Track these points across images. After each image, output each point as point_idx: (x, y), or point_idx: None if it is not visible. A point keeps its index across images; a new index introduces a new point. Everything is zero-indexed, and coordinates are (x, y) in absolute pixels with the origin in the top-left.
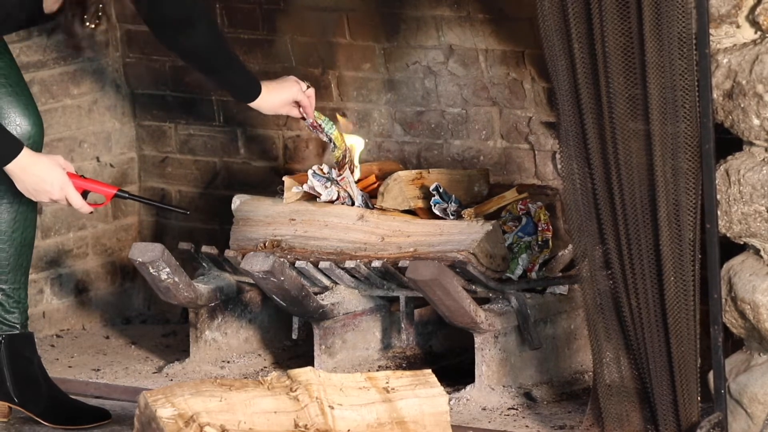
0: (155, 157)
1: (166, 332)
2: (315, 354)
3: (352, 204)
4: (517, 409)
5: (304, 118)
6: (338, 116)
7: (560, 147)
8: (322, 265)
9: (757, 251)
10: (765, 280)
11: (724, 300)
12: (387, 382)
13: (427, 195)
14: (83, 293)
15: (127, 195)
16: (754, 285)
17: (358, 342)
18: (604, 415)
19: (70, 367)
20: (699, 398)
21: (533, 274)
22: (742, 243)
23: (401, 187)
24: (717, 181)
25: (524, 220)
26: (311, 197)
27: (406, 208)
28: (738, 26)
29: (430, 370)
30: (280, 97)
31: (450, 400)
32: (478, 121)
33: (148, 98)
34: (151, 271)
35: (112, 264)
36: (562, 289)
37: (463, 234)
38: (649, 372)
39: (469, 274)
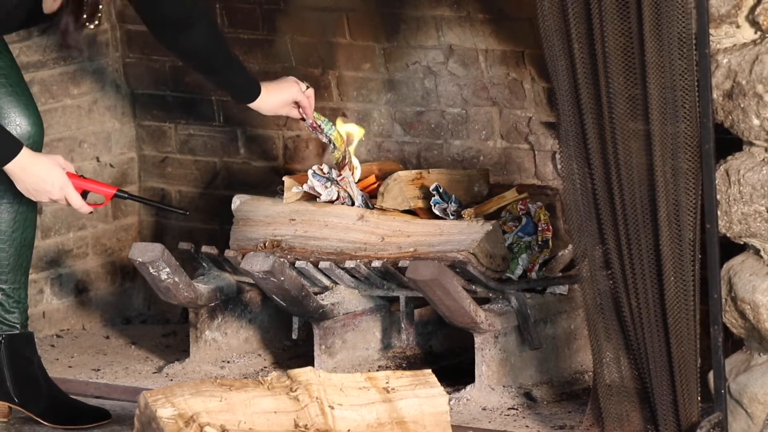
0: (155, 157)
1: (166, 332)
2: (315, 354)
3: (352, 204)
4: (517, 409)
5: (303, 119)
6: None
7: (560, 147)
8: (322, 265)
9: (757, 251)
10: (765, 280)
11: (724, 300)
12: (387, 382)
13: (427, 195)
14: (83, 293)
15: (126, 195)
16: (754, 285)
17: (358, 342)
18: (604, 415)
19: (70, 367)
20: (699, 398)
21: (533, 274)
22: (742, 243)
23: (401, 187)
24: (717, 181)
25: (524, 220)
26: (311, 197)
27: (406, 208)
28: (738, 26)
29: (430, 370)
30: (279, 97)
31: (450, 400)
32: (478, 121)
33: (148, 98)
34: (151, 271)
35: (112, 264)
36: (562, 289)
37: (463, 234)
38: (649, 372)
39: (469, 274)
